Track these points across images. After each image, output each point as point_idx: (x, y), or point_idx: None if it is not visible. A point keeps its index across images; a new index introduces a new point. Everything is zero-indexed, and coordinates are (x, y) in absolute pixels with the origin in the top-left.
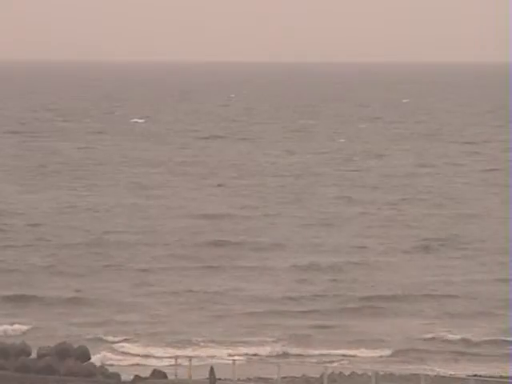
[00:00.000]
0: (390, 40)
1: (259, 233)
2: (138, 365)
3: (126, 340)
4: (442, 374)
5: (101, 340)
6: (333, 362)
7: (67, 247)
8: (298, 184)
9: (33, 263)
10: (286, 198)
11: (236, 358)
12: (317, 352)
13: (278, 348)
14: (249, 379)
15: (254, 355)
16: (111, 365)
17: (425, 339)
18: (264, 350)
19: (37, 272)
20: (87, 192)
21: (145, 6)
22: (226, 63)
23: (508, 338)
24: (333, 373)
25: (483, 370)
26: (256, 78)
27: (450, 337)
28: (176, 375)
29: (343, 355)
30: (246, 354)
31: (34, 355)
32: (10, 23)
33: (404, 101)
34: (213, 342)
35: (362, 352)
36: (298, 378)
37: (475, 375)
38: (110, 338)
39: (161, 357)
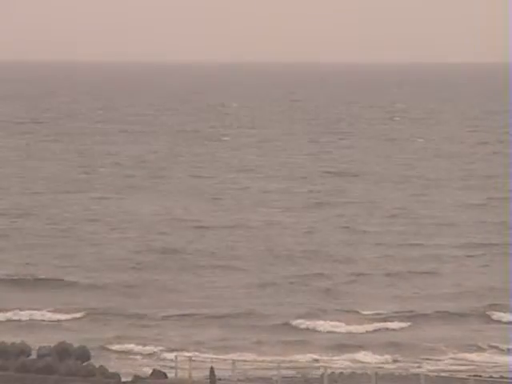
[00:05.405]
0: (389, 40)
1: None
2: (137, 365)
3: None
4: (442, 374)
5: None
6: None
7: None
8: None
9: None
10: None
11: (236, 358)
12: None
13: None
14: (249, 379)
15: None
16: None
17: None
18: None
19: None
20: None
21: (144, 6)
22: None
23: None
24: (333, 373)
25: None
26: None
27: None
28: (176, 375)
29: None
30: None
31: (33, 355)
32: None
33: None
34: None
35: None
36: (297, 377)
37: (475, 375)
38: None
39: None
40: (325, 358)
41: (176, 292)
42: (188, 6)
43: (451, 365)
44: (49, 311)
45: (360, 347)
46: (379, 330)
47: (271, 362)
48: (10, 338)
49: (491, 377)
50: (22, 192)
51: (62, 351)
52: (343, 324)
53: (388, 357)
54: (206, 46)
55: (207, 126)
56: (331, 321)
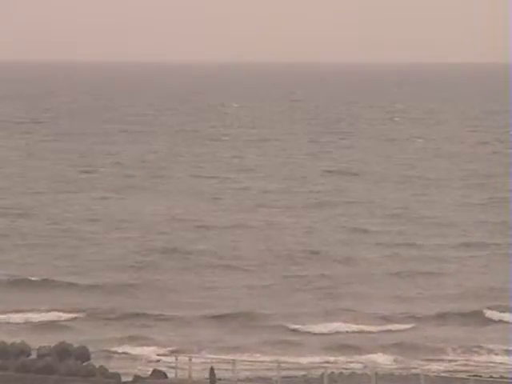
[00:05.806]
0: (389, 40)
1: None
2: (137, 365)
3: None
4: (442, 374)
5: None
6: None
7: None
8: None
9: None
10: None
11: (236, 358)
12: None
13: None
14: (249, 379)
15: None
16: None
17: None
18: None
19: None
20: None
21: (144, 6)
22: None
23: None
24: (333, 373)
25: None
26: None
27: None
28: (176, 375)
29: None
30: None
31: (33, 355)
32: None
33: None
34: None
35: None
36: (297, 377)
37: (475, 375)
38: None
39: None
40: (325, 357)
41: (176, 292)
42: (188, 6)
43: (452, 365)
44: (49, 311)
45: (360, 347)
46: (380, 330)
47: (271, 362)
48: (9, 338)
49: (491, 377)
50: (23, 192)
51: (62, 351)
52: (344, 324)
53: (388, 357)
54: (206, 46)
55: (207, 125)
56: (332, 321)
